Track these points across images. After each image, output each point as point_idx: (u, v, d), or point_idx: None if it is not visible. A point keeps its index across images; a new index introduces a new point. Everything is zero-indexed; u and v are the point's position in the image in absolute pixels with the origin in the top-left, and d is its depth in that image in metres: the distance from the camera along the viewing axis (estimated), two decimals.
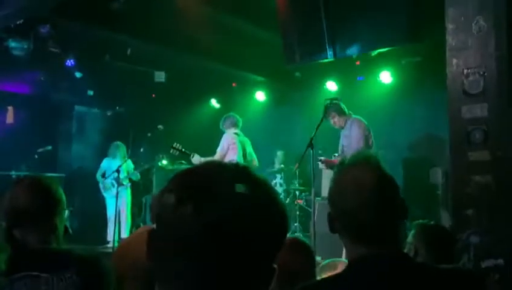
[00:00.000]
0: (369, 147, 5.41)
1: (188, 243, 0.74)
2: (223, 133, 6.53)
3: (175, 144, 6.50)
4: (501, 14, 2.83)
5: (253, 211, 0.76)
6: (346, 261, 1.47)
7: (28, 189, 1.85)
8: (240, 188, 0.76)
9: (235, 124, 6.49)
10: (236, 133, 6.45)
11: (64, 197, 1.94)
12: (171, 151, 6.53)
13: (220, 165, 0.82)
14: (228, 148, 6.29)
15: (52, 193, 1.87)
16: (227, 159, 6.20)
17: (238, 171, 0.80)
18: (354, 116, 5.59)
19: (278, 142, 8.55)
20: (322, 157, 5.53)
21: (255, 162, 6.59)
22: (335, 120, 5.50)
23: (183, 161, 7.54)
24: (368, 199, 1.30)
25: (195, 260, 0.74)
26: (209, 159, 6.39)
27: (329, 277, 1.45)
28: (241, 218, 0.74)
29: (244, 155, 6.42)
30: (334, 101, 5.42)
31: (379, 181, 1.33)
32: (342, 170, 1.40)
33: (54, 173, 7.81)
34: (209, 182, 0.77)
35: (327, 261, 2.58)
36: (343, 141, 5.61)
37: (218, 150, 6.30)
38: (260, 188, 0.79)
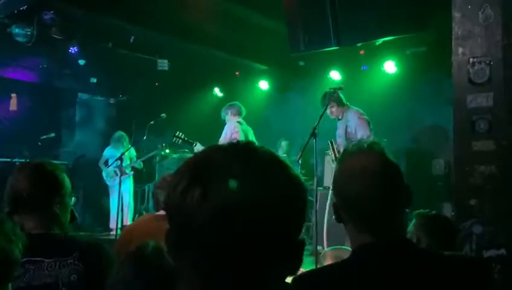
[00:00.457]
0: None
1: (199, 230, 0.71)
2: (224, 121, 6.51)
3: (177, 132, 6.51)
4: (508, 2, 2.79)
5: (263, 192, 0.73)
6: (349, 249, 1.47)
7: (29, 175, 1.84)
8: (247, 169, 0.74)
9: (238, 113, 6.48)
10: (239, 122, 6.44)
11: (68, 184, 1.93)
12: (173, 140, 6.53)
13: (226, 148, 0.79)
14: (231, 137, 6.28)
15: (53, 179, 1.87)
16: None
17: (247, 151, 0.78)
18: (352, 107, 5.56)
19: (281, 131, 8.54)
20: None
21: None
22: (333, 110, 5.47)
23: (186, 150, 7.55)
24: (372, 186, 1.30)
25: (207, 248, 0.72)
26: None
27: (332, 264, 1.46)
28: (251, 199, 0.71)
29: None
30: (338, 90, 5.40)
31: (383, 168, 1.33)
32: (346, 158, 1.39)
33: (57, 161, 7.82)
34: (216, 165, 0.75)
35: (330, 248, 2.59)
36: (340, 131, 5.59)
37: (221, 139, 6.30)
38: (269, 166, 0.76)
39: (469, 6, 2.90)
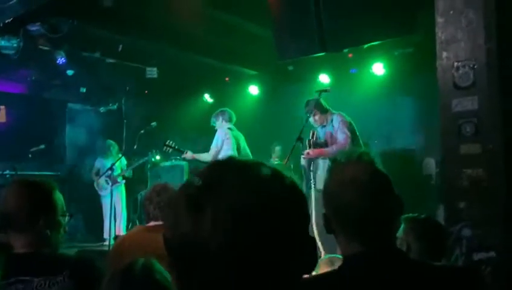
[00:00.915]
0: (356, 139, 5.29)
1: (208, 256, 0.72)
2: (214, 127, 6.49)
3: (168, 141, 6.48)
4: (490, 6, 2.82)
5: (263, 202, 0.75)
6: (341, 257, 1.47)
7: (16, 193, 1.83)
8: (244, 183, 0.75)
9: (229, 119, 6.47)
10: (230, 128, 6.43)
11: (61, 203, 1.91)
12: (164, 149, 6.51)
13: (220, 166, 0.81)
14: (222, 143, 6.27)
15: (44, 198, 1.85)
16: (222, 154, 6.20)
17: (239, 166, 0.80)
18: (334, 111, 5.46)
19: (272, 135, 8.55)
20: (306, 151, 5.33)
21: (249, 157, 6.58)
22: (316, 118, 5.37)
23: (177, 157, 7.54)
24: (361, 196, 1.31)
25: (217, 269, 0.73)
26: (202, 155, 6.38)
27: (324, 273, 1.46)
28: (261, 219, 0.73)
29: (238, 149, 6.41)
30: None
31: (372, 177, 1.34)
32: (336, 167, 1.41)
33: (48, 172, 7.78)
34: (213, 184, 0.76)
35: (325, 257, 2.59)
36: (324, 136, 5.46)
37: (213, 146, 6.29)
38: (264, 177, 0.78)
39: (451, 12, 2.93)
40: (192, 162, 6.72)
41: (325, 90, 5.33)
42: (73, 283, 1.76)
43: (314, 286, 1.37)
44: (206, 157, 6.32)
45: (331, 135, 5.33)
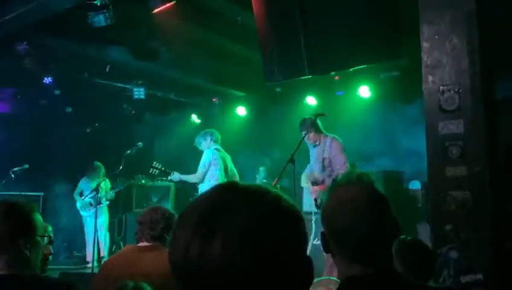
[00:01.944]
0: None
1: (220, 281, 0.74)
2: (198, 149, 6.48)
3: (154, 163, 6.46)
4: (473, 32, 2.89)
5: (265, 227, 0.77)
6: (335, 279, 1.47)
7: None
8: (249, 209, 0.77)
9: (215, 140, 6.46)
10: (217, 149, 6.42)
11: (40, 223, 1.90)
12: (150, 171, 6.48)
13: (234, 189, 0.83)
14: (210, 165, 6.25)
15: (21, 219, 1.84)
16: (209, 175, 6.18)
17: (240, 192, 0.82)
18: (329, 134, 5.57)
19: (259, 157, 8.56)
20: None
21: (236, 178, 6.56)
22: (311, 135, 5.45)
23: (163, 178, 7.48)
24: (361, 217, 1.32)
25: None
26: (189, 176, 6.34)
27: None
28: (263, 242, 0.75)
29: (226, 170, 6.40)
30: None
31: (372, 200, 1.35)
32: (336, 189, 1.41)
33: (31, 192, 7.66)
34: (217, 210, 0.77)
35: (319, 278, 2.58)
36: (315, 157, 5.57)
37: (200, 167, 6.27)
38: (266, 201, 0.81)
39: (436, 37, 2.99)
40: (179, 182, 6.67)
41: (322, 115, 5.39)
42: None
43: None
44: (193, 178, 6.31)
45: (323, 156, 5.41)
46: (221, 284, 0.74)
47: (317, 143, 5.53)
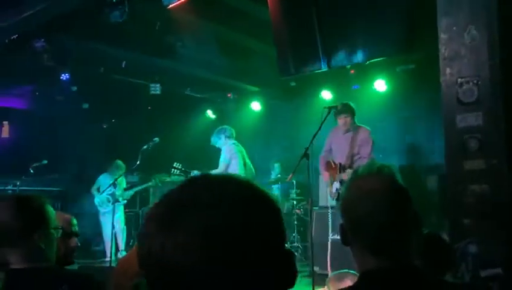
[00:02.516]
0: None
1: (185, 279, 0.72)
2: (214, 146, 6.50)
3: (175, 163, 6.53)
4: (492, 22, 2.85)
5: (234, 216, 0.74)
6: (354, 273, 1.45)
7: (10, 208, 1.83)
8: (214, 199, 0.75)
9: (231, 135, 6.48)
10: (234, 144, 6.44)
11: (53, 216, 1.91)
12: (172, 171, 6.54)
13: (200, 181, 0.80)
14: (231, 159, 6.28)
15: (35, 213, 1.84)
16: (231, 170, 6.18)
17: (206, 182, 0.79)
18: (362, 125, 5.58)
19: (274, 151, 8.56)
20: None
21: (252, 172, 6.61)
22: (347, 120, 5.47)
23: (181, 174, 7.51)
24: (378, 208, 1.29)
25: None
26: (212, 173, 6.32)
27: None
28: (231, 236, 0.72)
29: (245, 164, 6.44)
30: (334, 109, 5.41)
31: (392, 191, 1.33)
32: (356, 179, 1.39)
33: (49, 187, 7.78)
34: (182, 204, 0.75)
35: (335, 272, 2.57)
36: (343, 145, 5.54)
37: (221, 161, 6.28)
38: (229, 190, 0.78)
39: (454, 28, 2.95)
40: None
41: (335, 107, 5.35)
42: None
43: None
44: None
45: (351, 144, 5.42)
46: (183, 281, 0.71)
47: (350, 130, 5.52)
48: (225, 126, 6.66)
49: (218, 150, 6.49)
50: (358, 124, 5.58)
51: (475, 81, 2.88)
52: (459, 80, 2.94)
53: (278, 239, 0.79)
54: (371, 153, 5.37)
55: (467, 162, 2.87)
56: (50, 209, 1.91)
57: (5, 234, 1.78)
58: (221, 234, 0.72)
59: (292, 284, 0.80)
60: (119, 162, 7.86)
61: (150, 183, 7.84)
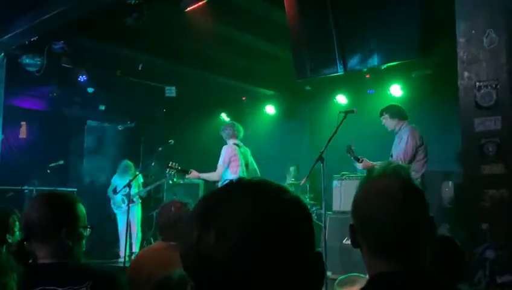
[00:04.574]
0: (415, 159, 5.27)
1: (219, 273, 0.74)
2: (219, 144, 6.30)
3: (171, 162, 6.27)
4: None
5: (273, 227, 0.76)
6: (365, 276, 1.42)
7: (42, 204, 1.88)
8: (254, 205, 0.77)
9: (234, 134, 6.21)
10: (236, 144, 6.19)
11: (83, 215, 1.96)
12: (167, 171, 6.30)
13: (228, 189, 0.83)
14: (230, 161, 6.04)
15: (66, 210, 1.90)
16: (230, 171, 6.02)
17: (246, 187, 0.82)
18: (409, 124, 5.47)
19: (288, 155, 8.54)
20: (362, 158, 5.28)
21: (257, 173, 6.37)
22: (385, 121, 5.51)
23: (183, 177, 7.46)
24: (392, 209, 1.25)
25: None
26: (209, 174, 6.18)
27: None
28: (263, 235, 0.75)
29: (247, 166, 6.20)
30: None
31: (406, 193, 1.28)
32: (370, 179, 1.36)
33: (65, 188, 7.86)
34: (223, 206, 0.78)
35: (344, 276, 2.54)
36: (392, 149, 5.49)
37: (220, 163, 6.03)
38: (269, 195, 0.80)
39: (473, 31, 2.93)
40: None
41: (351, 112, 5.29)
42: None
43: None
44: (213, 176, 6.10)
45: (396, 148, 5.37)
46: (230, 279, 0.74)
47: (394, 129, 5.53)
48: (233, 123, 6.46)
49: None
50: (410, 124, 5.53)
51: (494, 85, 2.86)
52: (478, 83, 2.91)
53: (306, 239, 0.81)
54: (408, 159, 5.26)
55: (484, 166, 2.84)
56: (81, 207, 1.96)
57: (35, 229, 1.84)
58: (254, 232, 0.74)
59: (321, 283, 0.82)
60: (126, 161, 7.89)
61: (163, 180, 7.75)
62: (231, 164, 6.04)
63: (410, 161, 5.23)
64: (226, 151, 6.07)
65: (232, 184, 0.83)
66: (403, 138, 5.34)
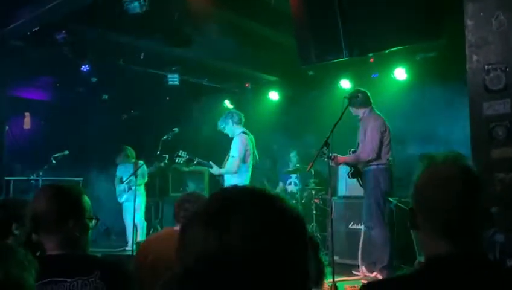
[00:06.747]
0: (383, 145, 5.24)
1: (221, 273, 0.78)
2: (222, 132, 6.10)
3: (180, 152, 6.05)
4: None
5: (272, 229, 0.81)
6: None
7: (49, 196, 1.90)
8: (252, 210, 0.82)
9: (239, 122, 6.00)
10: (245, 133, 6.00)
11: (88, 206, 1.98)
12: (176, 160, 6.10)
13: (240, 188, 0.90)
14: (246, 153, 5.84)
15: (72, 202, 1.92)
16: (243, 162, 5.84)
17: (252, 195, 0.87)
18: (373, 110, 5.42)
19: (292, 141, 8.53)
20: (333, 154, 5.18)
21: (257, 158, 6.16)
22: (353, 110, 5.39)
23: (198, 166, 7.46)
24: (455, 193, 1.32)
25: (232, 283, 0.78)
26: (226, 168, 5.93)
27: (404, 275, 1.48)
28: (265, 239, 0.79)
29: (254, 155, 6.06)
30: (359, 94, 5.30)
31: (467, 179, 1.35)
32: (431, 165, 1.42)
33: (70, 178, 7.90)
34: (228, 208, 0.83)
35: (348, 283, 2.55)
36: (358, 137, 5.46)
37: (236, 155, 5.78)
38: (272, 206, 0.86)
39: (481, 14, 2.90)
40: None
41: (356, 97, 5.24)
42: (103, 284, 1.81)
43: (393, 287, 1.39)
44: (231, 168, 5.82)
45: (361, 134, 5.31)
46: (231, 279, 0.77)
47: (359, 116, 5.45)
48: (233, 110, 6.28)
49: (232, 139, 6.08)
50: (374, 111, 5.47)
51: (503, 68, 2.83)
52: (486, 66, 2.89)
53: (302, 248, 0.86)
54: (375, 144, 5.25)
55: (494, 150, 2.83)
56: (86, 199, 1.99)
57: (43, 220, 1.86)
58: (256, 236, 0.79)
59: (322, 275, 0.90)
60: (124, 146, 7.86)
61: (161, 164, 7.59)
62: (245, 155, 5.84)
63: (379, 148, 5.19)
64: (240, 142, 5.81)
65: (238, 189, 0.90)
66: (367, 124, 5.27)
